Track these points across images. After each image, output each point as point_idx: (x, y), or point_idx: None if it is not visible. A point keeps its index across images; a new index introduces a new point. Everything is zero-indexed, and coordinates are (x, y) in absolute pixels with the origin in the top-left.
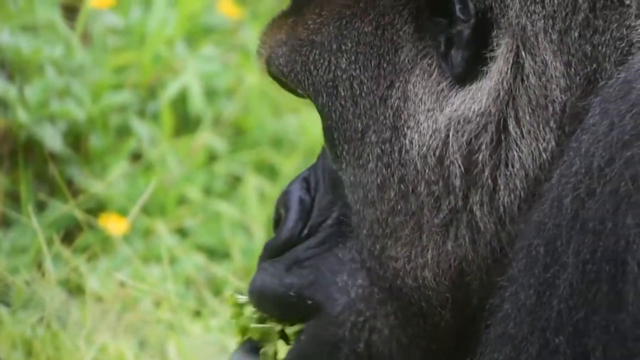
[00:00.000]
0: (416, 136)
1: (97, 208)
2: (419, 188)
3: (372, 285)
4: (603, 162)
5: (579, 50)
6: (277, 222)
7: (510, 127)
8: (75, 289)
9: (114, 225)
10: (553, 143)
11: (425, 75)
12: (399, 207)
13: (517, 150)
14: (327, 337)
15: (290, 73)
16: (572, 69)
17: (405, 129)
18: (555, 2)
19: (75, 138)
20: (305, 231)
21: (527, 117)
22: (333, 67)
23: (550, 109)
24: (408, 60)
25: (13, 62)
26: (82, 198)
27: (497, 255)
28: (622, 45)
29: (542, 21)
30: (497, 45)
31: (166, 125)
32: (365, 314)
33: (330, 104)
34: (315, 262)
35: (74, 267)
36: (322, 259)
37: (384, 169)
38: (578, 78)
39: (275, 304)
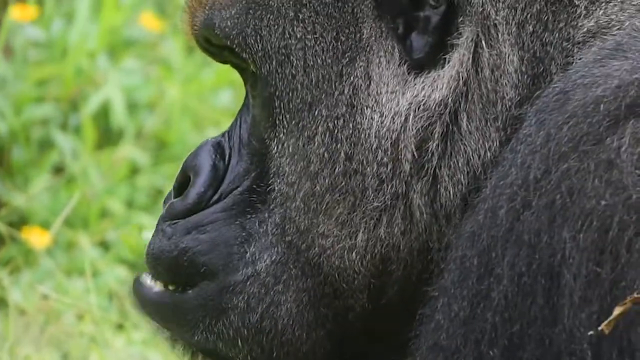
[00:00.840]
0: (376, 117)
1: (20, 221)
2: (367, 168)
3: (288, 260)
4: (539, 174)
5: (531, 47)
6: (182, 184)
7: (462, 121)
8: None
9: (36, 238)
10: (497, 143)
11: (387, 57)
12: (341, 184)
13: (466, 144)
14: (216, 302)
15: (238, 36)
16: (524, 66)
17: (364, 108)
18: None
19: None
20: (215, 197)
21: (477, 112)
22: (287, 35)
23: (499, 105)
24: (369, 39)
25: None
26: (4, 211)
27: (424, 251)
28: (567, 46)
29: (506, 10)
30: (461, 32)
31: (88, 138)
32: (271, 287)
33: (278, 71)
34: (217, 228)
35: None
36: (226, 226)
37: (332, 144)
38: (526, 77)
39: (168, 268)
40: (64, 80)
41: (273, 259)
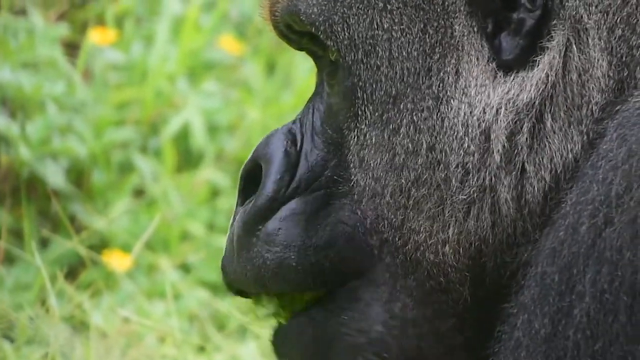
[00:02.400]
0: (464, 107)
1: (101, 244)
2: (451, 158)
3: (393, 260)
4: (621, 190)
5: (618, 51)
6: (250, 172)
7: (547, 120)
8: (79, 325)
9: (117, 261)
10: (579, 146)
11: (479, 55)
12: (424, 176)
13: (550, 143)
14: (377, 335)
15: (325, 22)
16: (611, 71)
17: (451, 100)
18: None
19: (77, 174)
20: (294, 185)
21: (562, 114)
22: (375, 25)
23: (584, 109)
24: (461, 35)
25: (14, 99)
26: (85, 234)
27: (510, 245)
28: None
29: (598, 15)
30: (552, 36)
31: (168, 161)
32: (394, 290)
33: (363, 62)
34: (334, 221)
35: (77, 304)
36: (339, 220)
37: (416, 135)
38: (612, 82)
39: (302, 271)
40: (144, 103)
41: (386, 264)
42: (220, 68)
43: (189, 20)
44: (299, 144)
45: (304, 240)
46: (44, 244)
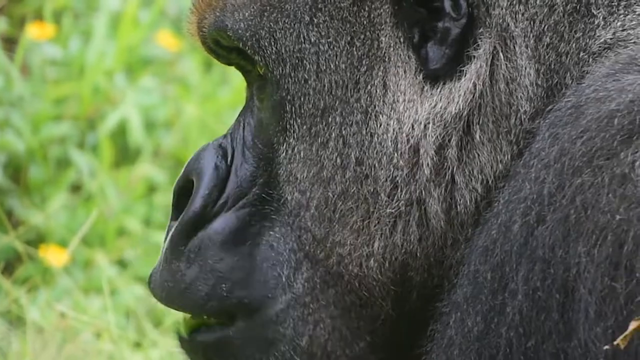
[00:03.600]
0: (393, 123)
1: (37, 239)
2: (379, 172)
3: (314, 274)
4: (553, 189)
5: (547, 59)
6: (182, 188)
7: (475, 133)
8: (15, 320)
9: (54, 256)
10: (508, 156)
11: (404, 66)
12: (352, 189)
13: (479, 155)
14: (263, 336)
15: (252, 37)
16: (539, 79)
17: (379, 115)
18: (537, 2)
19: (14, 169)
20: (221, 201)
21: (490, 125)
22: (302, 39)
23: (513, 118)
24: (387, 47)
25: None
26: (22, 229)
27: (440, 258)
28: (584, 56)
29: (525, 22)
30: (479, 44)
31: (106, 157)
32: (310, 306)
33: (291, 76)
34: (247, 251)
35: (14, 299)
36: (255, 246)
37: (344, 149)
38: (540, 90)
39: (202, 302)
40: (82, 98)
41: (304, 276)
42: (157, 64)
43: (127, 15)
44: (229, 159)
45: (220, 267)
46: None
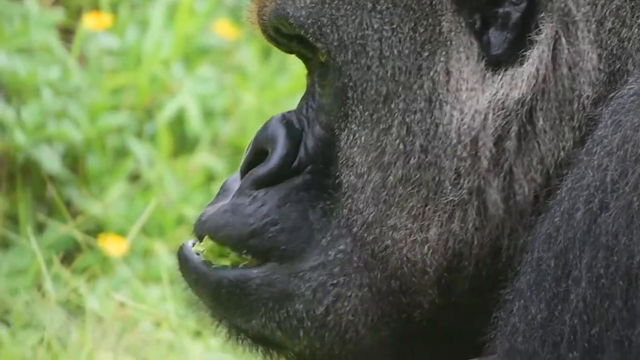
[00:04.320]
0: (456, 113)
1: (96, 229)
2: (444, 162)
3: (353, 252)
4: (616, 176)
5: (609, 45)
6: (251, 163)
7: (537, 120)
8: (75, 310)
9: (113, 245)
10: (571, 142)
11: (466, 52)
12: (415, 176)
13: (540, 143)
14: (283, 286)
15: (313, 25)
16: (602, 64)
17: (443, 104)
18: None
19: (73, 159)
20: (295, 163)
21: (554, 111)
22: (365, 26)
23: (575, 104)
24: (448, 32)
25: (10, 84)
26: (81, 219)
27: (495, 248)
28: None
29: (586, 7)
30: (540, 29)
31: (164, 146)
32: (337, 279)
33: (353, 62)
34: (302, 209)
35: (73, 288)
36: (310, 208)
37: (408, 137)
38: (603, 75)
39: (244, 237)
40: (139, 88)
41: (340, 248)
42: (215, 53)
43: (183, 5)
44: (298, 129)
45: (276, 212)
46: (39, 228)
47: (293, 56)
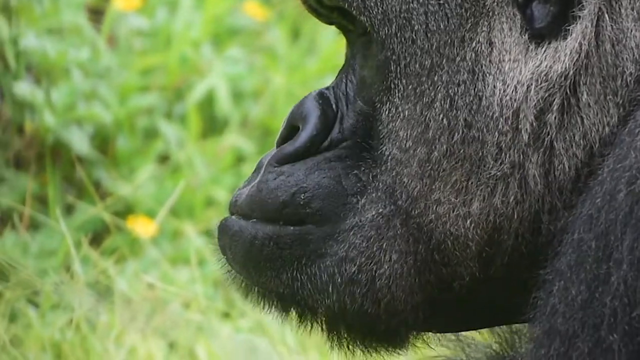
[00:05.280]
0: (499, 84)
1: (125, 210)
2: (487, 136)
3: (396, 221)
4: None
5: None
6: (286, 138)
7: (581, 94)
8: (104, 291)
9: (142, 227)
10: (615, 118)
11: (509, 24)
12: (458, 150)
13: (584, 118)
14: (317, 245)
15: None
16: None
17: (486, 76)
18: None
19: (102, 141)
20: (326, 143)
21: (598, 86)
22: (409, 0)
23: (619, 80)
24: (492, 4)
25: (39, 65)
26: (110, 201)
27: (534, 223)
28: None
29: None
30: (584, 5)
31: (193, 127)
32: (374, 242)
33: (397, 36)
34: (334, 176)
35: (102, 270)
36: (344, 176)
37: (451, 111)
38: None
39: (279, 205)
40: (169, 69)
41: (379, 211)
42: (244, 34)
43: None
44: (334, 109)
45: (305, 181)
46: (68, 210)
47: (323, 38)
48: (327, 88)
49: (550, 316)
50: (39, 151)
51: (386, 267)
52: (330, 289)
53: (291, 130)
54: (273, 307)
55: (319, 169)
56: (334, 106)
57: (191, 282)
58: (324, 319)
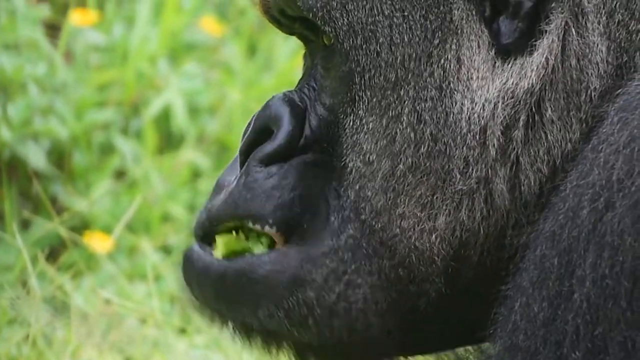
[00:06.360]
0: (467, 102)
1: (82, 226)
2: (454, 150)
3: (362, 239)
4: (622, 175)
5: (617, 37)
6: (253, 141)
7: (545, 110)
8: (60, 307)
9: (98, 242)
10: (578, 134)
11: (477, 40)
12: (425, 164)
13: (547, 133)
14: (295, 272)
15: (322, 9)
16: (610, 56)
17: (454, 93)
18: None
19: (58, 156)
20: (302, 142)
21: (562, 101)
22: (375, 12)
23: (583, 95)
24: (460, 20)
25: None
26: (66, 216)
27: (500, 238)
28: None
29: None
30: (550, 19)
31: (150, 143)
32: (348, 265)
33: (362, 48)
34: (322, 185)
35: (59, 285)
36: (327, 186)
37: (418, 125)
38: (610, 67)
39: (274, 208)
40: (125, 84)
41: (350, 233)
42: (201, 49)
43: (169, 1)
44: (302, 108)
45: (299, 187)
46: (25, 225)
47: (279, 53)
48: (291, 91)
49: (511, 332)
50: None
51: (360, 293)
52: (310, 322)
53: (260, 134)
54: (249, 340)
55: (308, 176)
56: (301, 105)
57: (148, 298)
58: (300, 351)
